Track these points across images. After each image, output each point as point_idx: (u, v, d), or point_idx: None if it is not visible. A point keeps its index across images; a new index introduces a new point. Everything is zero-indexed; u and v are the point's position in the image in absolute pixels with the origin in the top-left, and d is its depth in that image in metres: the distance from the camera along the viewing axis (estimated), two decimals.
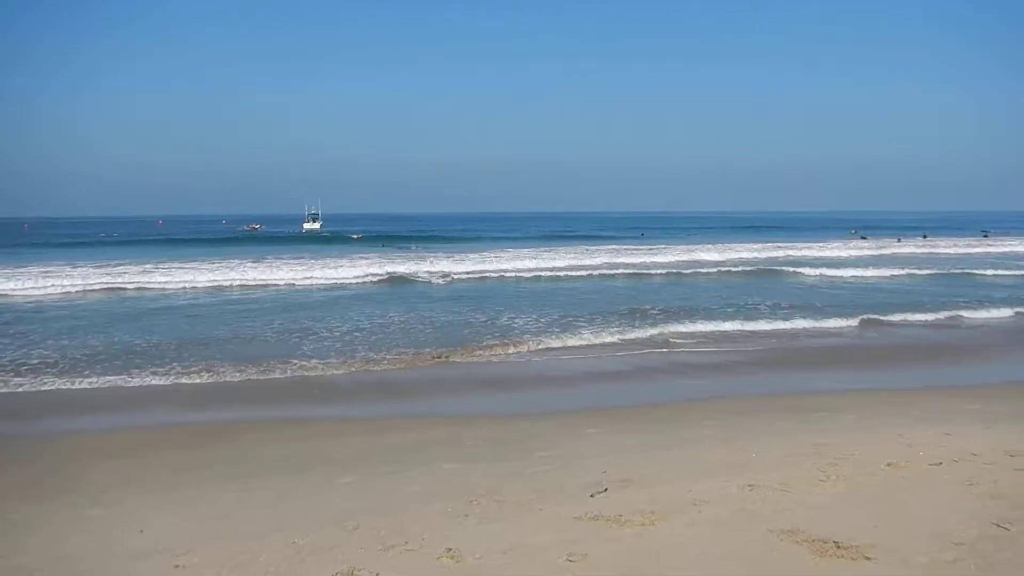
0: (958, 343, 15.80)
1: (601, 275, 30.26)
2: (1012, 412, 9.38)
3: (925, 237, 64.56)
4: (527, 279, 29.22)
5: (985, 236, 64.96)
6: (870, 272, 31.21)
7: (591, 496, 6.26)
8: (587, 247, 48.32)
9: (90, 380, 12.16)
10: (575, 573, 4.74)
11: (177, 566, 5.20)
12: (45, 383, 11.99)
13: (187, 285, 26.38)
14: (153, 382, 12.14)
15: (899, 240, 60.10)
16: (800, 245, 49.67)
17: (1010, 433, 7.99)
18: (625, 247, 49.33)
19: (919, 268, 32.65)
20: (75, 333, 16.60)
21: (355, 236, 66.88)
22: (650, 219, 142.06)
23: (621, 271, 31.72)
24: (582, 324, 17.44)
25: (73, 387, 11.83)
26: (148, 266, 32.07)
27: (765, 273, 31.31)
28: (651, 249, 44.42)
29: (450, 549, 5.16)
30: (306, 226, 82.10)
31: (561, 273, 30.81)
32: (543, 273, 30.79)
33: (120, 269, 30.86)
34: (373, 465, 7.71)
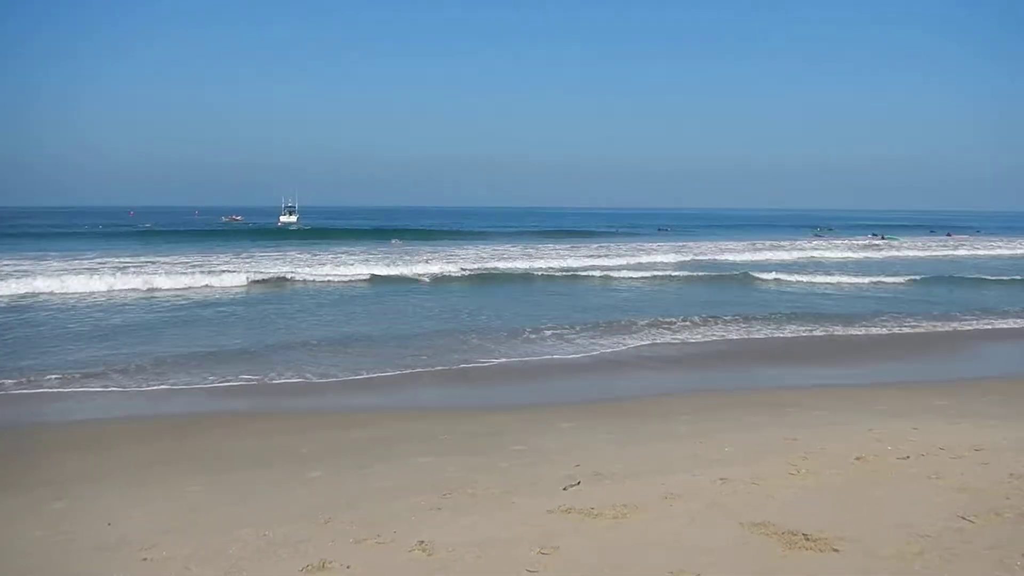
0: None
1: (574, 276, 30.13)
2: (977, 408, 9.54)
3: (875, 235, 65.89)
4: (508, 277, 28.91)
5: (948, 236, 66.19)
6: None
7: (564, 490, 6.26)
8: (569, 244, 48.51)
9: (53, 374, 11.90)
10: (547, 566, 4.74)
11: (144, 559, 5.11)
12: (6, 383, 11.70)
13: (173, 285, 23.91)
14: (120, 376, 11.92)
15: (875, 237, 61.33)
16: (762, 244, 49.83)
17: (976, 428, 8.13)
18: (601, 244, 49.57)
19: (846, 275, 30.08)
20: (33, 330, 16.31)
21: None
22: (628, 216, 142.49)
23: (592, 273, 30.47)
24: (554, 323, 17.45)
25: (35, 382, 11.56)
26: (125, 259, 31.48)
27: (718, 279, 29.29)
28: (633, 247, 44.97)
29: (422, 542, 5.13)
30: (283, 219, 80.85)
31: (542, 272, 30.34)
32: (525, 271, 30.40)
33: (96, 264, 30.22)
34: (342, 459, 7.64)
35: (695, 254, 40.97)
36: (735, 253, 42.47)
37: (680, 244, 48.86)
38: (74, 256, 33.16)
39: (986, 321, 18.30)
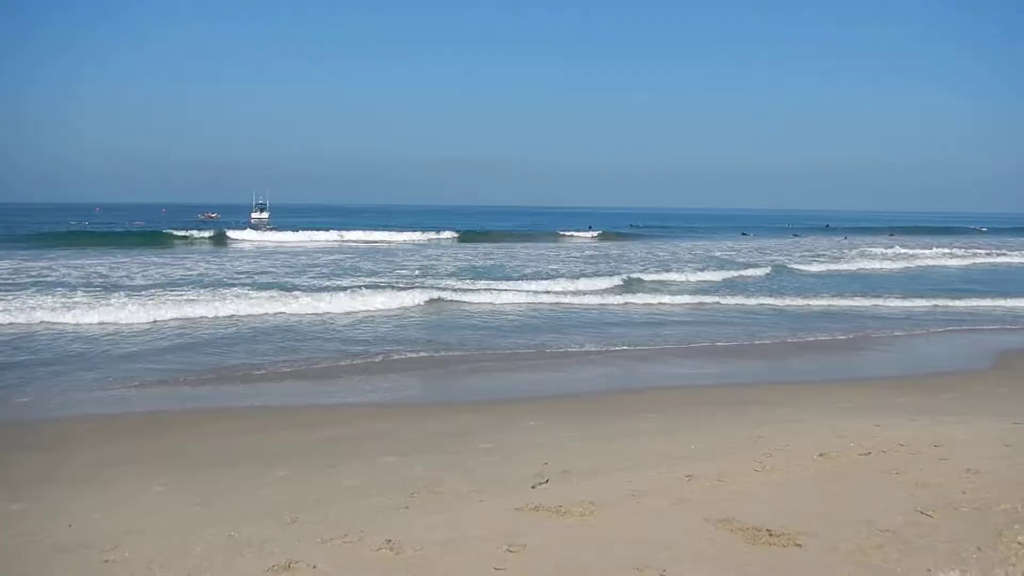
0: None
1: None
2: (936, 404, 9.75)
3: (796, 235, 67.49)
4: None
5: (891, 236, 67.60)
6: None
7: (532, 488, 6.28)
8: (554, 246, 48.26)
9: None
10: (515, 563, 4.75)
11: (106, 561, 5.03)
12: None
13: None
14: (81, 376, 11.71)
15: (796, 236, 63.86)
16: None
17: (935, 424, 8.30)
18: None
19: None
20: None
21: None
22: (604, 216, 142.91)
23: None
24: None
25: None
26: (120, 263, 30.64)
27: None
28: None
29: (389, 541, 5.11)
30: (254, 216, 79.79)
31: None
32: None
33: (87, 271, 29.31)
34: (308, 459, 7.57)
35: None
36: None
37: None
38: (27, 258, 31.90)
39: (945, 319, 18.72)
